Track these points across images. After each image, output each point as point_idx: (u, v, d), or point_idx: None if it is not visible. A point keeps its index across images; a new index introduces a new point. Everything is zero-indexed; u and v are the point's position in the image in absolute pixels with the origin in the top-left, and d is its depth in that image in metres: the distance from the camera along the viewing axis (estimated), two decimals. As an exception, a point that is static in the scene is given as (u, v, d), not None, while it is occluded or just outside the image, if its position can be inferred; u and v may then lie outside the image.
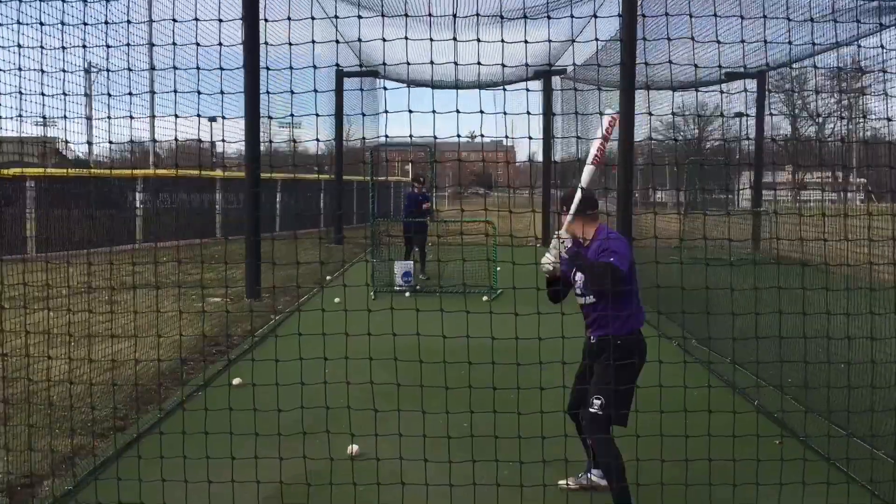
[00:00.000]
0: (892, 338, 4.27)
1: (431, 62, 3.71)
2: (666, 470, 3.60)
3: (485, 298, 9.95)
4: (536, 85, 18.72)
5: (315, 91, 3.98)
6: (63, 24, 3.84)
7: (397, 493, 3.78)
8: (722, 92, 10.57)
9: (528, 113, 4.07)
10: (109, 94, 3.88)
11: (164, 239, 13.66)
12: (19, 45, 3.82)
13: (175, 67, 3.93)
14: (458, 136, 3.96)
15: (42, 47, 3.81)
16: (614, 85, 9.72)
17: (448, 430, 3.82)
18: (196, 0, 4.03)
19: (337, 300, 4.96)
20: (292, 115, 3.99)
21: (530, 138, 4.16)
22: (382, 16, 3.82)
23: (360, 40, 3.78)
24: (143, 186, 16.22)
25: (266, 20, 4.16)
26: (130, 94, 3.94)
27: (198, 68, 3.82)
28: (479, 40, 3.78)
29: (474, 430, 3.70)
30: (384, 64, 3.71)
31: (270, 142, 9.88)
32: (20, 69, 3.83)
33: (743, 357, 5.81)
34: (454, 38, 3.75)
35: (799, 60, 11.09)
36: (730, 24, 4.11)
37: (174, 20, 3.94)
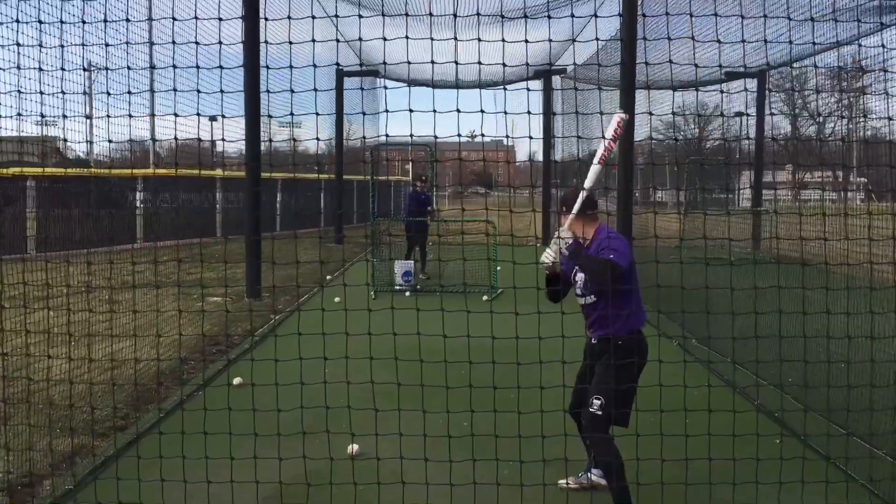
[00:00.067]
0: (892, 337, 4.27)
1: (432, 61, 3.70)
2: (666, 469, 3.60)
3: (485, 298, 9.95)
4: (537, 84, 18.72)
5: (315, 90, 3.97)
6: (62, 22, 3.84)
7: (398, 493, 3.78)
8: (722, 91, 10.56)
9: (529, 112, 4.07)
10: (108, 93, 3.88)
11: (164, 238, 13.66)
12: (18, 44, 3.81)
13: (175, 66, 3.93)
14: (459, 135, 3.96)
15: (41, 45, 3.81)
16: (615, 84, 9.71)
17: (448, 429, 3.82)
18: (196, -1, 4.03)
19: (337, 300, 4.96)
20: (292, 113, 3.98)
21: (531, 138, 4.15)
22: (383, 15, 3.82)
23: (360, 39, 3.78)
24: (144, 186, 16.22)
25: (266, 19, 4.15)
26: (130, 92, 3.94)
27: (197, 67, 3.81)
28: (479, 40, 3.78)
29: (474, 430, 3.70)
30: (385, 63, 3.71)
31: (270, 140, 9.88)
32: (19, 67, 3.82)
33: (743, 356, 5.81)
34: (455, 38, 3.75)
35: (799, 60, 11.09)
36: (730, 23, 4.11)
37: (173, 18, 3.94)
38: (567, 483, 4.14)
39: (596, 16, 4.89)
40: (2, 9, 4.01)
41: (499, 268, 10.62)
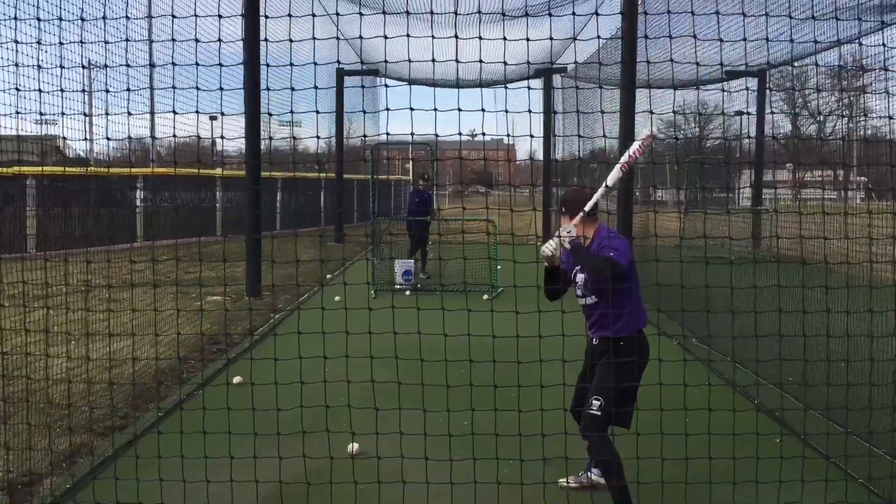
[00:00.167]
0: (891, 336, 4.27)
1: (433, 60, 3.70)
2: (666, 468, 3.60)
3: (485, 297, 9.94)
4: (537, 83, 18.71)
5: (315, 88, 3.96)
6: (61, 19, 3.83)
7: (398, 492, 3.78)
8: (723, 90, 10.55)
9: (530, 111, 4.06)
10: (108, 91, 3.87)
11: (164, 237, 13.66)
12: (16, 41, 3.80)
13: (174, 64, 3.92)
14: (460, 134, 3.95)
15: (39, 42, 3.80)
16: (615, 83, 9.71)
17: (449, 428, 3.81)
18: (196, -3, 4.02)
19: (337, 298, 4.95)
20: (292, 111, 3.97)
21: (532, 136, 4.13)
22: (384, 13, 3.81)
23: (360, 37, 3.77)
24: (144, 184, 16.21)
25: (266, 16, 4.14)
26: (129, 89, 3.93)
27: (196, 64, 3.80)
28: (480, 38, 3.77)
29: (475, 429, 3.70)
30: (385, 61, 3.70)
31: (270, 139, 9.87)
32: (17, 65, 3.81)
33: (743, 355, 5.81)
34: (455, 36, 3.74)
35: (800, 58, 11.08)
36: (731, 22, 4.10)
37: (173, 16, 3.93)
38: (567, 482, 4.13)
39: (597, 14, 4.88)
40: (1, 8, 4.00)
41: (499, 267, 10.62)
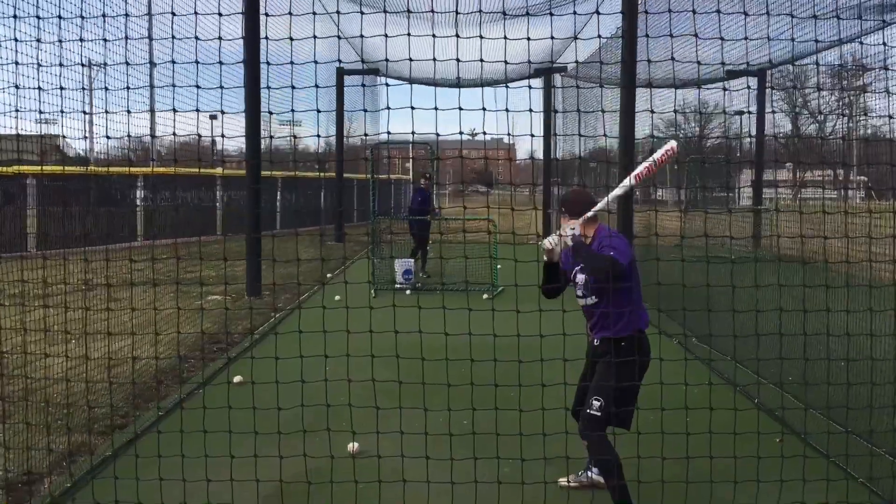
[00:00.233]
0: (891, 335, 4.26)
1: (434, 59, 3.69)
2: (667, 467, 3.60)
3: (485, 296, 9.94)
4: (538, 82, 18.70)
5: (316, 87, 3.96)
6: (61, 18, 3.82)
7: (398, 491, 3.77)
8: (724, 89, 10.54)
9: (531, 110, 4.05)
10: (107, 89, 3.86)
11: (164, 236, 13.66)
12: (16, 40, 3.80)
13: (174, 62, 3.92)
14: (461, 133, 3.95)
15: (38, 41, 3.79)
16: (615, 82, 9.69)
17: (449, 427, 3.81)
18: (196, -5, 4.01)
19: (338, 298, 4.95)
20: (293, 110, 3.96)
21: (532, 136, 4.12)
22: (385, 12, 3.81)
23: (361, 36, 3.76)
24: (144, 183, 16.22)
25: (267, 14, 4.13)
26: (128, 88, 3.92)
27: (196, 63, 3.80)
28: (481, 37, 3.76)
29: (475, 428, 3.70)
30: (386, 60, 3.70)
31: (271, 137, 9.86)
32: (17, 64, 3.80)
33: (743, 354, 5.80)
34: (456, 35, 3.73)
35: (801, 58, 11.07)
36: (732, 21, 4.09)
37: (172, 14, 3.93)
38: (567, 481, 4.13)
39: (598, 13, 4.87)
40: (1, 7, 3.99)
41: (499, 266, 10.61)
